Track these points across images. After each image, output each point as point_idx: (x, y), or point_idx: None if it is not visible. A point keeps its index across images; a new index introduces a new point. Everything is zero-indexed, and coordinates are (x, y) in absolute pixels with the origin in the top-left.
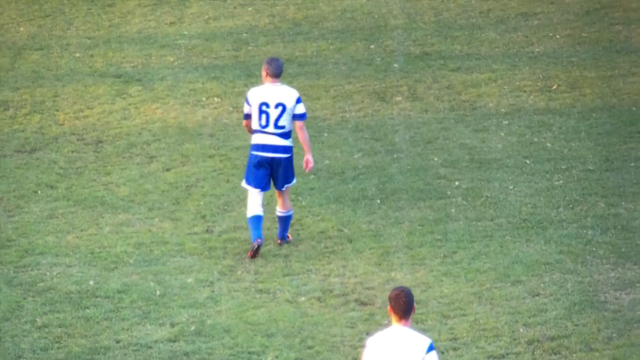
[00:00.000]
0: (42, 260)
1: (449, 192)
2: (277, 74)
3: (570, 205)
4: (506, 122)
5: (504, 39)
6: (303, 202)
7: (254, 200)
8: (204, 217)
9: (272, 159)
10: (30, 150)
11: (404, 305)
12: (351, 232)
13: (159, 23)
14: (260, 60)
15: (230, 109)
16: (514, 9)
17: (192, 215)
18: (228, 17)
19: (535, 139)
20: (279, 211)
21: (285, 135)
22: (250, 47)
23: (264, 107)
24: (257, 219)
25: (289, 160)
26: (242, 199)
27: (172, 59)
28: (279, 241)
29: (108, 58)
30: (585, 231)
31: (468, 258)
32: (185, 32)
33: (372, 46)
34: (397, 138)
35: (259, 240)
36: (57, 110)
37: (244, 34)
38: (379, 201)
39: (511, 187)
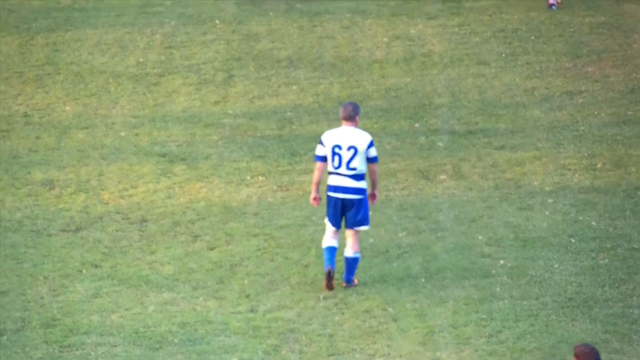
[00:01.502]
0: (87, 339)
1: (493, 271)
2: (345, 117)
3: (616, 284)
4: (551, 201)
5: (548, 117)
6: None
7: (329, 234)
8: (248, 296)
9: (344, 199)
10: (75, 229)
11: None
12: (396, 311)
13: (203, 102)
14: (305, 139)
15: (275, 187)
16: (558, 87)
17: (236, 294)
18: (272, 96)
19: (580, 218)
20: (347, 251)
21: (358, 177)
22: (294, 126)
23: (336, 149)
24: (330, 250)
25: (361, 201)
26: (287, 278)
27: (216, 138)
28: (344, 284)
29: (153, 137)
30: (631, 310)
31: (513, 337)
32: (230, 111)
33: (417, 124)
34: (442, 216)
35: (331, 267)
36: (102, 189)
37: (289, 113)
38: (423, 280)
39: (556, 266)
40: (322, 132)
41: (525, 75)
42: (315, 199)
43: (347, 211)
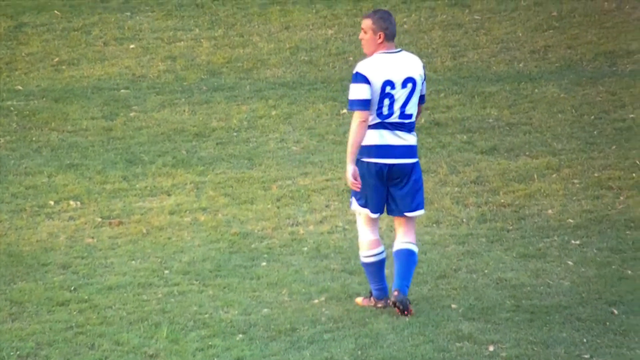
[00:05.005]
0: None
1: None
2: (393, 33)
3: None
4: (577, 242)
5: (573, 96)
6: None
7: (369, 231)
8: None
9: (393, 167)
10: None
11: None
12: None
13: None
14: (151, 135)
15: (98, 219)
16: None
17: None
18: (95, 61)
19: (629, 272)
20: (398, 243)
21: (412, 129)
22: (133, 113)
23: (388, 89)
24: (376, 266)
25: (416, 169)
26: None
27: None
28: (394, 292)
29: None
30: None
31: None
32: (19, 87)
33: (345, 110)
34: (388, 270)
35: (386, 299)
36: None
37: (123, 90)
38: None
39: (587, 357)
40: (186, 122)
41: (532, 26)
42: (356, 178)
43: (396, 186)
